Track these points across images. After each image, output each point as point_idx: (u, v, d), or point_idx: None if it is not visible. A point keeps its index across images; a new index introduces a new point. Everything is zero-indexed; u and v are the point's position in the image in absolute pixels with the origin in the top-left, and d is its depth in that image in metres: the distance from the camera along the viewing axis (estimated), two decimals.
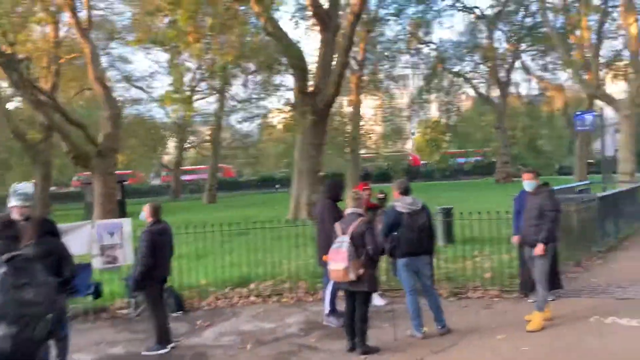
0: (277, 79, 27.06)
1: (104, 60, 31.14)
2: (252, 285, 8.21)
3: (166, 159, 53.30)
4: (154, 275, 5.50)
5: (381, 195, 6.35)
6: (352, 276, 5.02)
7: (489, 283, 7.61)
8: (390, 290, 7.33)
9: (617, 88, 36.24)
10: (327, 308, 6.41)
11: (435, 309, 5.72)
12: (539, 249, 5.74)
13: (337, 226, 5.34)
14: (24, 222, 5.71)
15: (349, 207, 5.38)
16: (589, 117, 12.97)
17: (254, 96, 22.78)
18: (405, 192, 5.70)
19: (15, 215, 5.53)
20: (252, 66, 25.01)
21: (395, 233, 5.54)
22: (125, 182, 31.19)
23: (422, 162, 54.84)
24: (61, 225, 7.33)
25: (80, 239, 7.28)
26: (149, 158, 46.71)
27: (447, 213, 11.11)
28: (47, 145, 27.77)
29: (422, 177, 50.46)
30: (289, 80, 28.47)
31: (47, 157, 29.21)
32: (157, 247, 5.49)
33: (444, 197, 23.61)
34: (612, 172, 20.20)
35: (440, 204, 14.72)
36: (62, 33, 26.30)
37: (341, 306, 5.97)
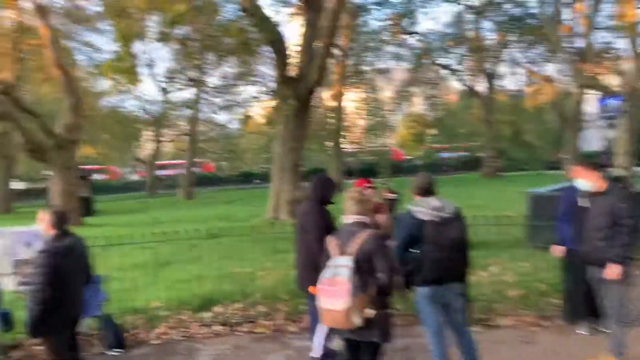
0: (257, 67, 25.28)
1: (69, 47, 29.02)
2: (216, 309, 6.46)
3: (143, 153, 51.05)
4: (57, 316, 3.72)
5: (391, 196, 4.58)
6: (356, 320, 3.32)
7: (520, 304, 5.99)
8: (401, 315, 5.65)
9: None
10: (316, 350, 4.71)
11: (470, 356, 4.06)
12: (614, 270, 4.13)
13: (332, 242, 3.62)
14: None
15: (349, 214, 3.66)
16: (613, 103, 11.49)
17: (231, 83, 21.05)
18: (429, 191, 4.01)
19: None
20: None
21: (415, 251, 3.86)
22: (92, 178, 29.05)
23: (405, 157, 53.45)
24: None
25: None
26: (124, 152, 44.54)
27: None
28: (7, 138, 25.51)
29: (405, 172, 49.12)
30: (269, 69, 26.73)
31: (8, 151, 27.00)
32: (61, 274, 3.71)
33: None
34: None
35: None
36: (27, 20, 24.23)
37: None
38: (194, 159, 36.19)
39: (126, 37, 5.56)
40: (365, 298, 3.36)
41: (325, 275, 3.46)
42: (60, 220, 3.90)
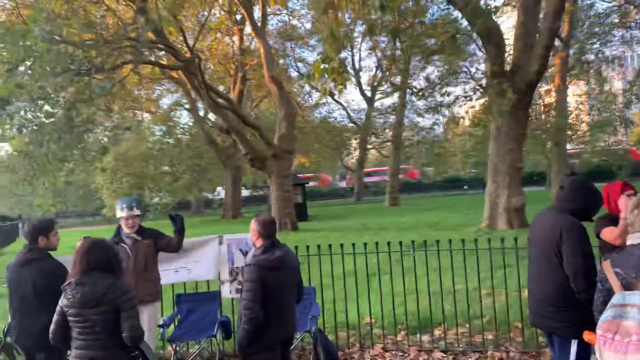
0: (464, 65, 23.93)
1: (284, 64, 31.39)
2: (436, 331, 5.69)
3: (351, 161, 53.07)
4: (267, 335, 3.35)
5: None
6: None
7: None
8: None
9: None
10: None
11: None
12: None
13: (609, 269, 2.57)
14: (135, 235, 4.78)
15: (636, 230, 2.57)
16: None
17: (436, 83, 20.40)
18: None
19: (125, 229, 4.77)
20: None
21: None
22: (307, 185, 30.77)
23: None
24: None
25: (206, 259, 5.57)
26: (333, 160, 46.70)
27: None
28: (236, 149, 28.49)
29: None
30: (478, 65, 25.17)
31: (236, 161, 30.13)
32: (270, 290, 3.33)
33: None
34: None
35: None
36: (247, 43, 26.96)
37: None
38: (399, 165, 36.06)
39: (334, 34, 5.29)
40: None
41: (606, 316, 2.43)
42: (268, 230, 3.55)
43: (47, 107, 10.59)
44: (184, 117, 34.75)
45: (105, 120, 16.56)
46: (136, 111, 32.62)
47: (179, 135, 31.75)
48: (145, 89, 30.32)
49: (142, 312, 4.63)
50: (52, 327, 3.08)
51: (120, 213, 4.72)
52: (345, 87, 5.81)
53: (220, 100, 19.13)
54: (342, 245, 5.72)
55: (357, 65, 37.84)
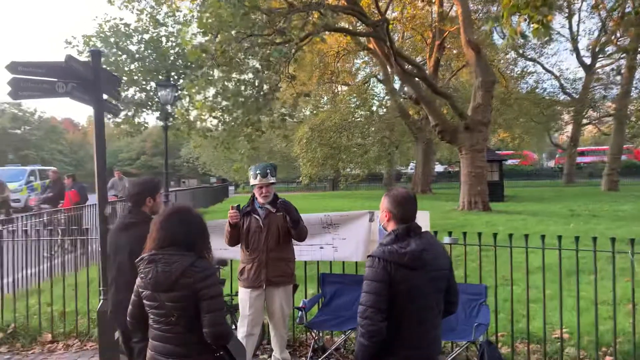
0: None
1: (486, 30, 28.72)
2: None
3: (562, 138, 47.47)
4: (393, 353, 2.38)
5: None
6: None
7: None
8: None
9: None
10: None
11: None
12: None
13: None
14: (269, 206, 4.14)
15: None
16: None
17: None
18: None
19: (258, 198, 4.15)
20: None
21: None
22: (505, 162, 28.05)
23: None
24: (318, 215, 5.00)
25: (354, 238, 4.79)
26: (540, 137, 42.11)
27: None
28: (427, 122, 27.23)
29: None
30: None
31: (427, 134, 28.87)
32: (401, 296, 2.34)
33: None
34: None
35: None
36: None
37: None
38: (622, 144, 30.70)
39: None
40: None
41: None
42: (404, 210, 2.52)
43: (234, 74, 10.89)
44: (379, 89, 34.45)
45: (288, 88, 16.79)
46: (335, 84, 33.25)
47: (373, 108, 31.50)
48: (343, 61, 30.61)
49: (273, 295, 4.09)
50: (129, 308, 2.58)
51: (254, 180, 4.10)
52: (546, 26, 4.36)
53: (410, 68, 18.07)
54: (526, 235, 4.42)
55: (574, 29, 33.14)
